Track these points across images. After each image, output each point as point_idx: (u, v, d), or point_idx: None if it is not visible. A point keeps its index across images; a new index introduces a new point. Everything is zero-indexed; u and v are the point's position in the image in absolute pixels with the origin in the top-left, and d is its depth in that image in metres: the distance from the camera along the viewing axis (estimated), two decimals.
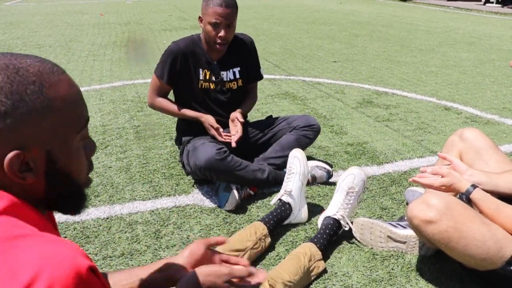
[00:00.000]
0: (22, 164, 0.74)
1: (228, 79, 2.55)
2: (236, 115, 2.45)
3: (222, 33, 2.34)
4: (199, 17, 2.43)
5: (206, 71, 2.50)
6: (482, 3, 14.92)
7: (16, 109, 0.71)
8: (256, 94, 2.78)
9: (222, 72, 2.52)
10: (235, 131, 2.42)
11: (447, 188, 1.75)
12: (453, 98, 4.37)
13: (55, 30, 8.59)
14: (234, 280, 1.12)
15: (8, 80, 0.72)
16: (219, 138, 2.43)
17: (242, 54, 2.58)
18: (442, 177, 1.75)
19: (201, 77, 2.50)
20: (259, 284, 1.17)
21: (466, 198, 1.68)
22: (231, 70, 2.55)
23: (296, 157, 2.22)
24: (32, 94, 0.73)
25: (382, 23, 9.86)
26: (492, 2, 13.89)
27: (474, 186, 1.68)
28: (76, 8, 13.02)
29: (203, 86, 2.52)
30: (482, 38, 8.04)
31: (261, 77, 2.70)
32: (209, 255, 1.22)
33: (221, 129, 2.43)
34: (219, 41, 2.36)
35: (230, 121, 2.49)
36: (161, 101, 2.57)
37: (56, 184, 0.79)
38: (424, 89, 4.67)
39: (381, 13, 12.10)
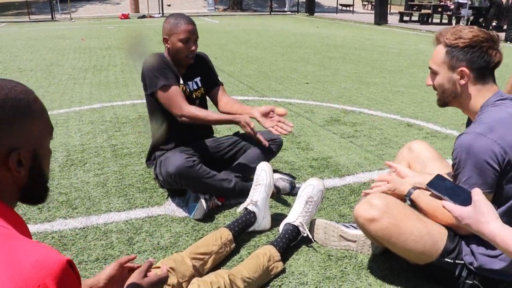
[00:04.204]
0: (18, 161, 0.95)
1: (193, 89, 2.78)
2: (265, 109, 2.53)
3: (193, 47, 2.60)
4: (164, 38, 2.64)
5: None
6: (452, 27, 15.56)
7: (16, 119, 0.94)
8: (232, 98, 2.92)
9: (188, 83, 2.75)
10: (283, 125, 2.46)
11: (392, 193, 1.97)
12: (416, 115, 4.65)
13: (37, 55, 8.75)
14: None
15: (7, 98, 0.94)
16: (258, 138, 2.49)
17: (201, 66, 2.82)
18: (387, 183, 1.98)
19: (182, 81, 2.70)
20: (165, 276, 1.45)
21: (409, 198, 1.91)
22: (194, 81, 2.79)
23: (263, 169, 2.42)
24: (24, 107, 0.96)
25: (355, 46, 10.23)
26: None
27: (414, 188, 1.90)
28: (58, 33, 13.20)
29: (183, 90, 2.69)
30: None
31: (221, 83, 2.90)
32: (120, 271, 1.46)
33: (255, 128, 2.47)
34: (190, 55, 2.61)
35: (263, 115, 2.51)
36: (194, 109, 2.58)
37: (35, 176, 1.00)
38: (390, 107, 4.94)
39: (356, 36, 12.53)
